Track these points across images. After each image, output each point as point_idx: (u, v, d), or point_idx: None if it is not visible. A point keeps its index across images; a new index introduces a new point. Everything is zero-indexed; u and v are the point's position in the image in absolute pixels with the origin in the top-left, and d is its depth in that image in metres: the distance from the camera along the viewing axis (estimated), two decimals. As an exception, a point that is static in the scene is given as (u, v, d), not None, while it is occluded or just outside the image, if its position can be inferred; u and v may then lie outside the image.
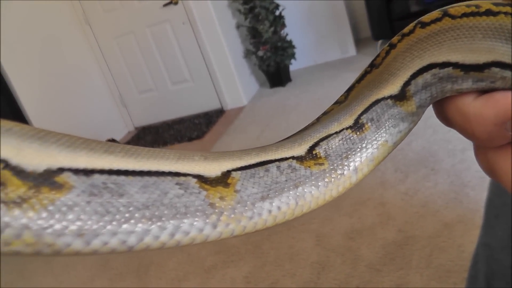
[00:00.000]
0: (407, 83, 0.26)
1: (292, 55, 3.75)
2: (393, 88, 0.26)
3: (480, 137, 0.24)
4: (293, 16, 3.86)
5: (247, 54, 3.80)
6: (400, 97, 0.26)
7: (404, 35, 0.26)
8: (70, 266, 2.09)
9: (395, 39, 0.27)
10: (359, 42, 4.09)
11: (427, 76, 0.25)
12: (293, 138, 0.27)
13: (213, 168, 0.22)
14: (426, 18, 0.25)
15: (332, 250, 1.61)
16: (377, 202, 1.77)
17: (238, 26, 3.77)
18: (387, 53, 0.27)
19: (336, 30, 3.89)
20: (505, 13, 0.22)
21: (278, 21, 3.63)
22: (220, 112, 3.66)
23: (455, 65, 0.24)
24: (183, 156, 0.22)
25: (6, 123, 0.18)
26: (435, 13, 0.25)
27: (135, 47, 3.75)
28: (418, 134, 2.20)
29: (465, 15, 0.23)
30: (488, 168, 0.25)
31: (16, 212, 0.17)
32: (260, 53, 3.65)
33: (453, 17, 0.24)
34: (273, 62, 3.65)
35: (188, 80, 3.77)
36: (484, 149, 0.25)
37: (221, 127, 3.36)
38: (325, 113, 0.30)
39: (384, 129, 0.27)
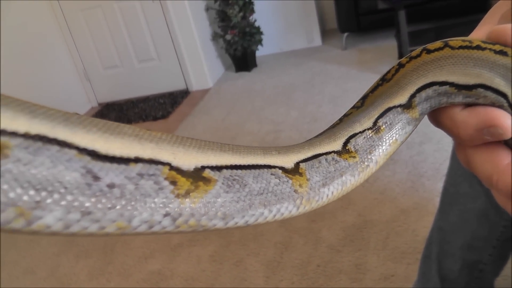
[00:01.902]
0: (413, 95, 0.34)
1: (260, 41, 3.80)
2: (402, 98, 0.34)
3: (463, 138, 0.31)
4: (263, 3, 3.91)
5: (215, 37, 3.82)
6: (408, 106, 0.34)
7: (411, 58, 0.34)
8: (35, 241, 2.09)
9: (403, 60, 0.35)
10: (325, 33, 4.19)
11: (429, 91, 0.33)
12: (326, 135, 0.34)
13: (288, 160, 0.29)
14: (431, 46, 0.33)
15: (295, 232, 1.70)
16: (339, 187, 1.87)
17: (207, 9, 3.78)
18: (397, 70, 0.35)
19: (304, 20, 3.97)
20: (490, 49, 0.30)
21: (248, 7, 3.67)
22: (185, 93, 3.67)
23: (451, 84, 0.32)
24: (265, 151, 0.29)
25: (162, 137, 0.24)
26: (438, 43, 0.32)
27: (102, 22, 3.69)
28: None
29: (461, 47, 0.31)
30: (466, 161, 0.33)
31: (186, 202, 0.22)
32: (228, 37, 3.68)
33: (452, 47, 0.32)
34: (240, 46, 3.69)
35: (154, 59, 3.75)
36: (464, 147, 0.33)
37: (186, 108, 3.38)
38: (346, 115, 0.37)
39: (395, 131, 0.34)
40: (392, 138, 0.34)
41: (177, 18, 3.50)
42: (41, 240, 2.07)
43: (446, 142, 1.93)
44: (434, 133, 2.02)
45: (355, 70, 3.24)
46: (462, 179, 1.06)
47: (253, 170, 0.26)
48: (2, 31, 3.11)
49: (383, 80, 0.36)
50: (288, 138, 2.49)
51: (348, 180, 0.31)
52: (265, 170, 0.27)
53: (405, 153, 1.99)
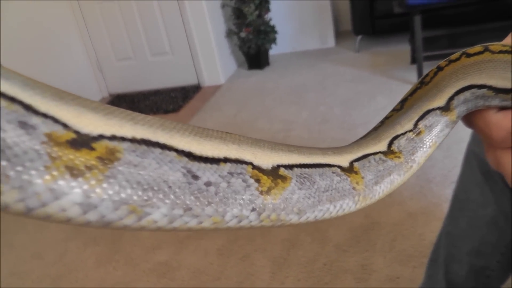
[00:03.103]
0: (451, 98, 0.35)
1: (274, 40, 3.82)
2: (441, 101, 0.35)
3: (495, 139, 0.33)
4: (278, 2, 3.92)
5: (229, 34, 3.84)
6: (446, 108, 0.35)
7: (451, 61, 0.35)
8: (44, 226, 2.12)
9: (443, 63, 0.36)
10: (339, 34, 4.19)
11: (467, 94, 0.34)
12: (370, 137, 0.36)
13: (343, 160, 0.31)
14: (470, 50, 0.34)
15: (302, 230, 1.72)
16: (347, 189, 1.88)
17: (223, 6, 3.80)
18: (435, 73, 0.36)
19: (318, 21, 3.98)
20: None
21: (264, 5, 3.68)
22: (196, 88, 3.69)
23: (490, 87, 0.33)
24: (323, 151, 0.31)
25: (241, 139, 0.26)
26: (478, 48, 0.34)
27: (118, 14, 3.71)
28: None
29: (501, 52, 0.32)
30: (496, 162, 0.34)
31: (268, 198, 0.25)
32: (243, 34, 3.70)
33: (492, 52, 0.33)
34: (254, 44, 3.71)
35: (168, 53, 3.77)
36: (495, 148, 0.34)
37: (198, 102, 3.40)
38: (387, 118, 0.38)
39: (434, 133, 0.35)
40: (432, 140, 0.35)
41: (193, 14, 3.52)
42: (50, 225, 2.10)
43: (455, 149, 1.94)
44: (444, 139, 2.02)
45: (367, 73, 3.24)
46: (473, 186, 1.07)
47: (318, 169, 0.28)
48: (18, 20, 3.14)
49: (422, 83, 0.37)
50: (299, 138, 2.50)
51: (395, 179, 0.33)
52: (327, 168, 0.29)
53: (415, 158, 2.00)
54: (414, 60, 3.04)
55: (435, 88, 0.36)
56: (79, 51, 3.82)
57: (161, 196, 0.21)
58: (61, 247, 1.95)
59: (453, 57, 0.35)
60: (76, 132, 0.19)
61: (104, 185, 0.19)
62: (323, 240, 1.65)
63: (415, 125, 0.35)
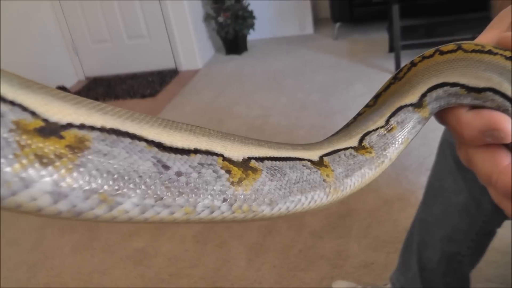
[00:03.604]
0: (424, 95, 0.35)
1: (252, 26, 3.79)
2: (413, 97, 0.35)
3: (466, 138, 0.33)
4: (257, -13, 3.89)
5: (207, 18, 3.79)
6: (418, 105, 0.35)
7: (424, 57, 0.35)
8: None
9: (416, 59, 0.36)
10: (317, 21, 4.19)
11: (440, 91, 0.34)
12: (342, 133, 0.36)
13: (313, 154, 0.31)
14: (444, 48, 0.34)
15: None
16: (324, 176, 1.90)
17: (201, -11, 3.74)
18: (409, 69, 0.36)
19: (297, 7, 3.97)
20: (501, 55, 0.31)
21: (242, -10, 3.65)
22: (174, 73, 3.65)
23: (462, 86, 0.33)
24: (293, 147, 0.31)
25: (211, 132, 0.26)
26: (452, 46, 0.34)
27: (94, -5, 3.63)
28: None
29: (474, 51, 0.32)
30: (467, 159, 0.35)
31: (239, 189, 0.25)
32: (220, 19, 3.66)
33: (465, 50, 0.33)
34: (232, 30, 3.68)
35: (144, 36, 3.71)
36: (466, 146, 0.35)
37: (175, 87, 3.37)
38: (359, 114, 0.38)
39: (406, 129, 0.36)
40: (404, 137, 0.35)
41: (170, -4, 3.47)
42: (24, 211, 2.06)
43: (431, 137, 1.97)
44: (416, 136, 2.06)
45: (345, 60, 3.26)
46: (447, 174, 1.10)
47: (288, 162, 0.29)
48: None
49: (396, 78, 0.37)
50: (277, 124, 2.51)
51: (366, 173, 0.33)
52: (297, 162, 0.29)
53: (391, 145, 2.03)
54: (392, 49, 3.06)
55: (408, 84, 0.36)
56: (53, 32, 3.73)
57: (131, 185, 0.21)
58: (37, 234, 1.92)
59: (426, 53, 0.35)
60: (45, 120, 0.19)
61: (74, 174, 0.19)
62: (300, 226, 1.66)
63: (387, 121, 0.35)
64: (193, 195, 0.23)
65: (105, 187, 0.20)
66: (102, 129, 0.20)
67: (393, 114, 0.35)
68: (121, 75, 3.81)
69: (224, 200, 0.24)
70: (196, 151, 0.24)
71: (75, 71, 3.92)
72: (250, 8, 3.79)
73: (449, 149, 1.07)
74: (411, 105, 0.35)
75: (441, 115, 0.36)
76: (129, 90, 3.44)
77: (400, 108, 0.35)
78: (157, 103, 3.14)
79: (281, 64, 3.45)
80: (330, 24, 3.88)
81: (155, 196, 0.21)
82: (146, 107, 3.11)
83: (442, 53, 0.34)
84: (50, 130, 0.19)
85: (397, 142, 0.35)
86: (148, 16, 3.61)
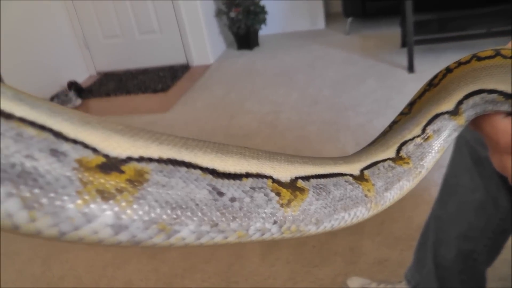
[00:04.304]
0: (460, 102, 0.34)
1: (263, 21, 3.78)
2: (449, 105, 0.35)
3: (502, 145, 0.33)
4: (269, -19, 3.87)
5: (219, 13, 3.79)
6: (454, 112, 0.35)
7: (461, 63, 0.35)
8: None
9: (452, 65, 0.35)
10: (329, 16, 4.17)
11: (476, 98, 0.34)
12: (379, 143, 0.36)
13: (354, 168, 0.31)
14: (481, 53, 0.34)
15: (292, 212, 1.73)
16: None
17: (212, -16, 3.74)
18: (444, 75, 0.36)
19: (308, 2, 3.95)
20: None
21: (254, -15, 3.64)
22: (185, 68, 3.66)
23: (500, 93, 0.32)
24: (334, 161, 0.31)
25: (260, 153, 0.26)
26: (490, 51, 0.33)
27: (105, -10, 3.64)
28: (380, 112, 2.35)
29: None
30: (501, 166, 0.35)
31: (288, 210, 0.25)
32: (232, 14, 3.65)
33: (504, 56, 0.32)
34: (243, 25, 3.67)
35: (156, 31, 3.72)
36: (501, 153, 0.34)
37: (187, 82, 3.37)
38: (395, 122, 0.38)
39: (443, 138, 0.35)
40: (440, 145, 0.35)
41: (182, -9, 3.47)
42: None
43: (444, 134, 1.96)
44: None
45: (357, 55, 3.24)
46: (463, 171, 1.09)
47: (331, 178, 0.29)
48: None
49: (430, 85, 0.37)
50: (288, 120, 2.50)
51: (404, 185, 0.33)
52: (340, 177, 0.29)
53: (404, 142, 2.02)
54: (404, 44, 3.04)
55: (444, 91, 0.35)
56: (65, 27, 3.75)
57: (189, 213, 0.21)
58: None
59: (463, 59, 0.35)
60: (106, 156, 0.19)
61: (134, 206, 0.20)
62: (313, 222, 1.66)
63: (423, 130, 0.35)
64: (246, 219, 0.23)
65: (164, 216, 0.20)
66: (159, 160, 0.21)
67: (429, 123, 0.35)
68: (132, 70, 3.83)
69: (275, 222, 0.25)
70: (248, 175, 0.24)
71: (86, 66, 3.94)
72: (261, 3, 3.78)
73: (466, 146, 1.07)
74: (447, 112, 0.35)
75: (476, 122, 0.35)
76: (141, 85, 3.45)
77: (436, 116, 0.35)
78: (169, 98, 3.15)
79: (293, 59, 3.44)
80: (341, 19, 3.86)
81: (210, 222, 0.22)
82: (158, 102, 3.12)
83: (479, 59, 0.33)
84: (111, 165, 0.19)
85: (433, 151, 0.35)
86: (159, 11, 3.62)
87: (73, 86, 3.39)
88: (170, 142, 0.22)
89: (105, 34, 3.84)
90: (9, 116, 0.17)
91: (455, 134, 0.36)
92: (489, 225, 1.06)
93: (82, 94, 3.42)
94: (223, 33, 3.93)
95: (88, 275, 1.65)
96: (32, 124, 0.18)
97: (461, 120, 0.35)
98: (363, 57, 3.19)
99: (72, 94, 3.32)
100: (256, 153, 0.26)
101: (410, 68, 2.77)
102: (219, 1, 3.78)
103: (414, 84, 2.61)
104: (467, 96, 0.34)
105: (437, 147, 0.35)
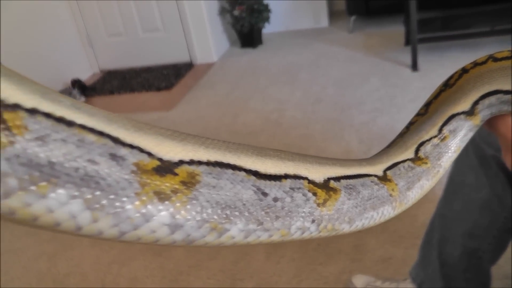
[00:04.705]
0: (476, 102, 0.35)
1: (267, 19, 3.79)
2: (465, 105, 0.35)
3: None
4: (272, -21, 3.87)
5: (222, 11, 3.79)
6: (470, 113, 0.35)
7: (477, 64, 0.35)
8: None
9: (468, 65, 0.36)
10: (332, 14, 4.17)
11: (492, 98, 0.34)
12: (398, 144, 0.37)
13: (377, 169, 0.32)
14: (498, 54, 0.34)
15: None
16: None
17: (216, -18, 3.74)
18: (460, 76, 0.36)
19: (312, 0, 3.95)
20: None
21: (257, -17, 3.64)
22: (189, 66, 3.67)
23: None
24: (359, 163, 0.32)
25: (294, 155, 0.28)
26: (506, 52, 0.34)
27: (109, -12, 3.65)
28: (383, 110, 2.35)
29: None
30: None
31: (324, 210, 0.27)
32: (236, 12, 3.66)
33: None
34: (247, 23, 3.67)
35: (160, 30, 3.73)
36: None
37: (190, 80, 3.38)
38: (411, 123, 0.39)
39: (459, 138, 0.36)
40: (457, 145, 0.36)
41: (186, -10, 3.47)
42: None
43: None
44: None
45: (360, 54, 3.24)
46: (468, 170, 1.10)
47: (359, 179, 0.30)
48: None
49: (446, 85, 0.37)
50: (292, 118, 2.51)
51: (424, 184, 0.34)
52: (366, 178, 0.31)
53: (408, 140, 2.03)
54: (408, 42, 3.04)
55: (460, 91, 0.36)
56: (68, 25, 3.76)
57: (237, 213, 0.22)
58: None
59: (479, 60, 0.35)
60: (160, 160, 0.21)
61: (188, 206, 0.21)
62: (317, 220, 1.67)
63: (440, 130, 0.36)
64: (288, 218, 0.25)
65: (215, 216, 0.22)
66: (208, 163, 0.22)
67: (445, 123, 0.36)
68: (136, 68, 3.83)
69: (313, 221, 0.26)
70: (286, 176, 0.25)
71: (89, 64, 3.95)
72: (265, 1, 3.78)
73: (471, 144, 1.07)
74: (463, 113, 0.35)
75: (490, 122, 0.36)
76: (144, 83, 3.46)
77: (452, 117, 0.36)
78: (172, 96, 3.15)
79: (296, 57, 3.45)
80: (345, 17, 3.86)
81: (257, 221, 0.23)
82: (162, 100, 3.13)
83: (495, 60, 0.34)
84: (165, 168, 0.21)
85: (450, 151, 0.36)
86: (163, 9, 3.62)
87: (76, 84, 3.40)
88: (215, 145, 0.24)
89: (109, 32, 3.85)
90: (70, 124, 0.18)
91: (471, 134, 0.36)
92: (494, 223, 1.07)
93: (86, 92, 3.44)
94: (226, 31, 3.94)
95: (94, 272, 1.66)
96: (92, 130, 0.19)
97: (477, 120, 0.35)
98: (367, 55, 3.19)
99: (75, 92, 3.33)
100: (291, 155, 0.27)
101: (414, 66, 2.77)
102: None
103: (418, 82, 2.61)
104: (483, 97, 0.34)
105: (453, 147, 0.36)
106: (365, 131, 2.20)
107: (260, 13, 3.71)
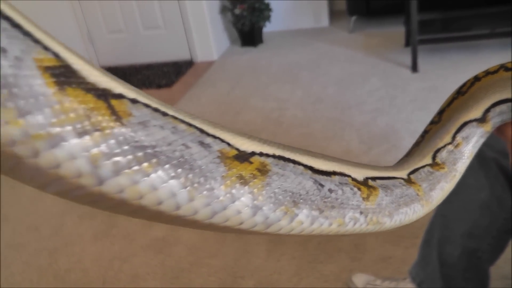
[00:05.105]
0: (488, 110, 0.37)
1: (268, 18, 3.80)
2: (477, 113, 0.37)
3: None
4: (273, -22, 3.88)
5: (223, 10, 3.80)
6: (482, 120, 0.37)
7: (489, 73, 0.37)
8: (38, 199, 2.12)
9: (480, 74, 0.38)
10: (333, 14, 4.18)
11: (503, 106, 0.36)
12: (415, 153, 0.39)
13: (402, 174, 0.35)
14: (509, 64, 0.36)
15: (297, 208, 1.75)
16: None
17: (218, -20, 3.75)
18: (472, 84, 0.38)
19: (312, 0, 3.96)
20: None
21: (259, -18, 3.65)
22: (189, 64, 3.67)
23: None
24: (386, 168, 0.35)
25: (335, 158, 0.30)
26: None
27: (110, -15, 3.65)
28: (384, 111, 2.36)
29: None
30: None
31: (368, 203, 0.30)
32: (237, 11, 3.67)
33: None
34: (248, 22, 3.68)
35: (160, 27, 3.73)
36: None
37: (191, 78, 3.39)
38: (426, 132, 0.41)
39: (471, 144, 0.38)
40: (469, 151, 0.38)
41: (187, -13, 3.48)
42: (44, 198, 2.10)
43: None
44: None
45: (361, 54, 3.25)
46: (468, 171, 1.11)
47: (390, 180, 0.33)
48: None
49: (459, 93, 0.39)
50: (293, 117, 2.52)
51: (444, 186, 0.36)
52: (395, 180, 0.33)
53: (407, 140, 2.04)
54: (408, 43, 3.05)
55: (472, 99, 0.37)
56: (69, 21, 3.76)
57: (302, 200, 0.25)
58: (57, 221, 1.96)
59: (491, 69, 0.37)
60: (237, 150, 0.23)
61: (264, 191, 0.23)
62: (317, 219, 1.68)
63: (453, 137, 0.37)
64: (341, 208, 0.27)
65: (286, 202, 0.24)
66: (274, 156, 0.25)
67: (458, 130, 0.37)
68: (136, 65, 3.84)
69: (361, 212, 0.29)
70: (335, 173, 0.28)
71: (89, 59, 3.94)
72: (266, 0, 3.79)
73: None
74: (475, 120, 0.37)
75: (500, 128, 0.38)
76: (145, 80, 3.47)
77: (465, 124, 0.37)
78: (173, 93, 3.16)
79: (297, 56, 3.46)
80: (345, 17, 3.87)
81: (318, 209, 0.26)
82: (162, 98, 3.12)
83: (507, 69, 0.36)
84: (243, 156, 0.23)
85: (464, 157, 0.38)
86: (164, 6, 3.63)
87: (77, 80, 3.40)
88: (274, 144, 0.26)
89: (110, 29, 3.85)
90: (165, 114, 0.21)
91: (482, 140, 0.38)
92: (494, 224, 1.08)
93: (87, 88, 3.43)
94: (227, 30, 3.95)
95: (95, 268, 1.67)
96: (182, 121, 0.21)
97: (488, 127, 0.37)
98: (367, 55, 3.20)
99: (76, 88, 3.33)
100: (332, 157, 0.30)
101: (414, 68, 2.79)
102: (224, -3, 3.80)
103: (417, 83, 2.63)
104: (494, 105, 0.36)
105: (467, 152, 0.38)
106: (365, 131, 2.21)
107: (261, 12, 3.71)
